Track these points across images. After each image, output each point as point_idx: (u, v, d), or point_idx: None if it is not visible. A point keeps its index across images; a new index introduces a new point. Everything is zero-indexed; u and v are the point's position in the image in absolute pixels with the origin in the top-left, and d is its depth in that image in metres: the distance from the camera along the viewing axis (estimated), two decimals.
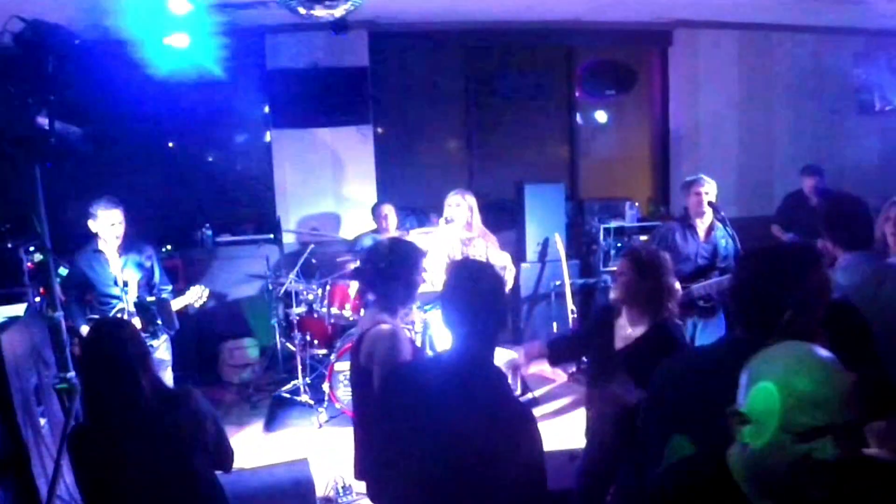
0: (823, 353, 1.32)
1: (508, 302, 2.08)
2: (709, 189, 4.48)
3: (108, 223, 4.15)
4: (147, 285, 4.33)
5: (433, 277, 4.89)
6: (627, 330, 2.83)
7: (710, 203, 4.55)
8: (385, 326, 2.51)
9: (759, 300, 1.72)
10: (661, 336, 2.71)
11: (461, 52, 6.85)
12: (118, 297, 4.18)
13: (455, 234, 4.80)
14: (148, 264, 4.35)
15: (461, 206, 4.79)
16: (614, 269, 5.93)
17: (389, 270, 2.55)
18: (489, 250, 4.85)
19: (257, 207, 6.55)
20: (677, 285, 2.91)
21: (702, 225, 4.54)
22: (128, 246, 4.28)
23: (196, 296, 4.39)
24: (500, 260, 4.84)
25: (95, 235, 4.21)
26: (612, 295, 2.89)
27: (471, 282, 1.97)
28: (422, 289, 2.70)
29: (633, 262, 2.80)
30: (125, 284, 4.15)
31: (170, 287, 4.50)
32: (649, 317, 2.77)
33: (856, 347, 1.90)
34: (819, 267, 1.75)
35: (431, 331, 4.78)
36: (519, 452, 1.83)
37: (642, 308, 2.78)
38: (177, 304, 4.36)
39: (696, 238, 4.54)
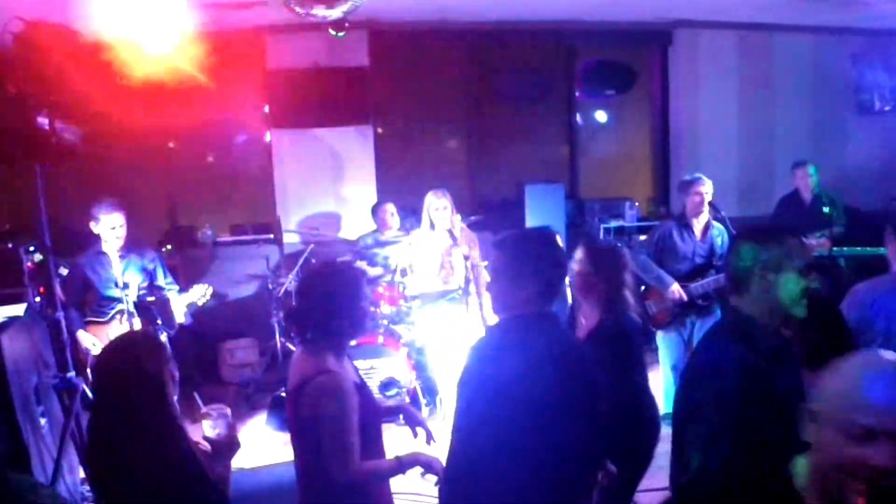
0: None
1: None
2: (708, 189, 4.50)
3: (109, 226, 4.18)
4: (149, 287, 4.34)
5: (423, 281, 4.91)
6: (584, 323, 2.82)
7: (710, 202, 4.57)
8: (327, 378, 2.14)
9: (736, 260, 1.96)
10: (610, 330, 2.68)
11: (461, 52, 6.85)
12: (119, 300, 4.19)
13: (443, 235, 4.80)
14: (151, 266, 4.38)
15: (448, 209, 4.79)
16: None
17: (332, 304, 2.21)
18: (472, 251, 4.87)
19: (257, 207, 6.55)
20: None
21: (698, 224, 4.57)
22: (130, 248, 4.32)
23: (199, 294, 4.44)
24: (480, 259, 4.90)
25: (98, 237, 4.23)
26: (569, 288, 2.90)
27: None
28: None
29: (588, 254, 2.79)
30: (126, 286, 4.16)
31: (176, 287, 4.53)
32: (601, 310, 2.73)
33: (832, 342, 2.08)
34: (797, 235, 1.97)
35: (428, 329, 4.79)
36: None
37: (596, 301, 2.76)
38: (181, 301, 4.39)
39: (693, 237, 4.56)
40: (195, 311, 4.64)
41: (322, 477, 2.17)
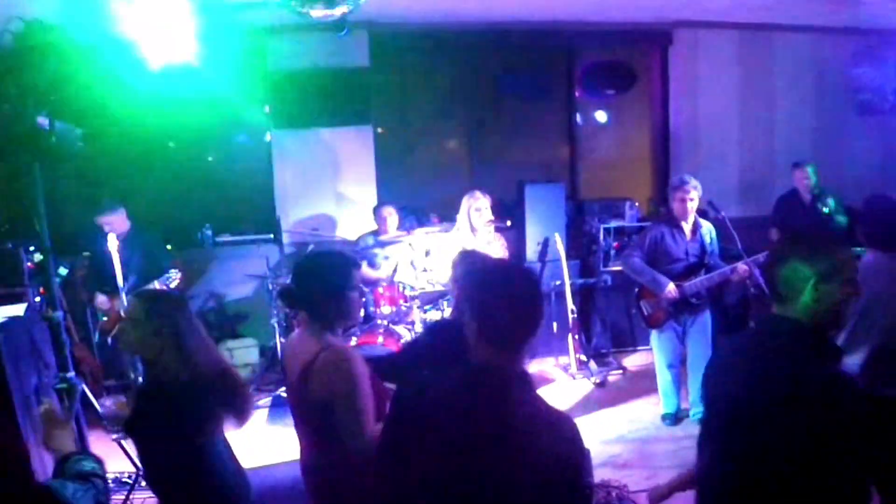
0: None
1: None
2: (694, 195, 4.52)
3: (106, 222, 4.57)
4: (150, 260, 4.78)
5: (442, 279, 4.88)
6: None
7: (710, 202, 4.59)
8: (340, 348, 2.28)
9: (787, 270, 1.86)
10: None
11: (461, 52, 6.85)
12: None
13: (483, 239, 4.74)
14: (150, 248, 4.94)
15: (488, 208, 4.73)
16: (615, 269, 6.02)
17: (322, 287, 2.32)
18: (503, 252, 4.84)
19: (257, 207, 6.54)
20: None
21: (687, 224, 4.61)
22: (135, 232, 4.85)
23: (172, 277, 4.64)
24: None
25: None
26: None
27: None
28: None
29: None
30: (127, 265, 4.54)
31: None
32: None
33: None
34: (847, 248, 1.94)
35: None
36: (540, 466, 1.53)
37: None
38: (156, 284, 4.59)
39: (684, 237, 4.60)
40: (196, 312, 4.68)
41: (334, 454, 2.27)
